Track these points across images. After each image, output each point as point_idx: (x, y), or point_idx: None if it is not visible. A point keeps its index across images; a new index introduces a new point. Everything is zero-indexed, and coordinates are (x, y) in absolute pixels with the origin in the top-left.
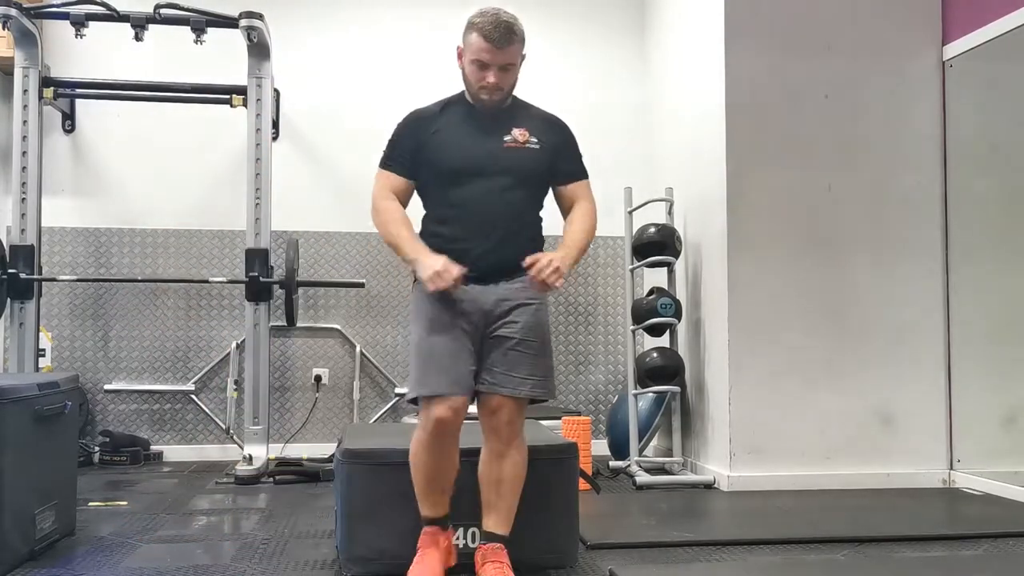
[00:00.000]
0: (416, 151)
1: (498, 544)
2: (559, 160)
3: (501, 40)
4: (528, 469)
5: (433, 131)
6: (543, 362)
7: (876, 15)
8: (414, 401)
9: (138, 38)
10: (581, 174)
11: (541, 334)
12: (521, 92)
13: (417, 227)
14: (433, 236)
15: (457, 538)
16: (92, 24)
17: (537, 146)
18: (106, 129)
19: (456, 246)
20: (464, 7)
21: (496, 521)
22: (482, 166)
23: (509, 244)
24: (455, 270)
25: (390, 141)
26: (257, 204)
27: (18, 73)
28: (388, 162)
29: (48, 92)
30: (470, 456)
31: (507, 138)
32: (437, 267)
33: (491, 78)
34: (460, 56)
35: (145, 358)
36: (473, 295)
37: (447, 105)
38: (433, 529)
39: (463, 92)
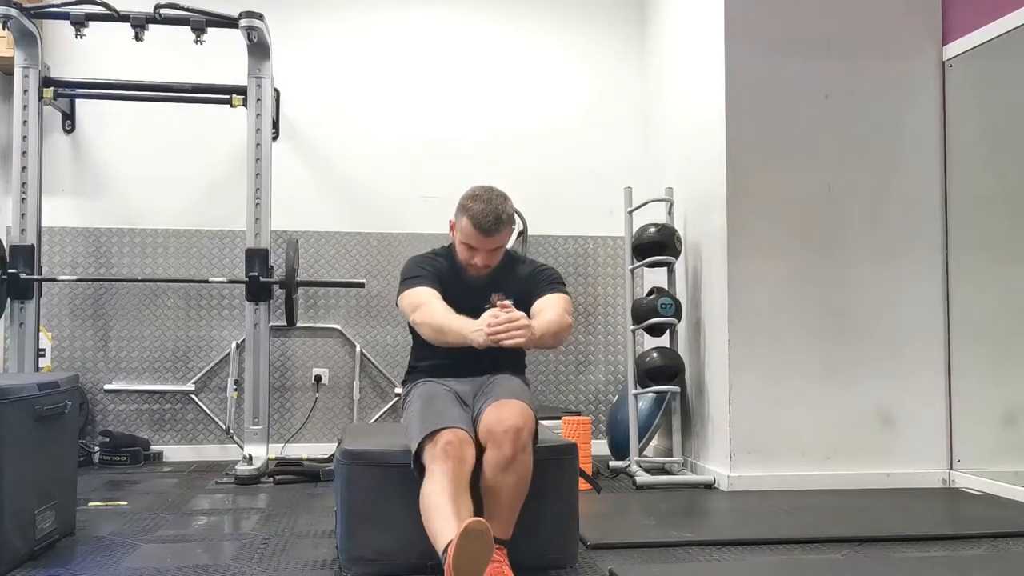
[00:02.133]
0: (439, 283)
1: (498, 546)
2: (534, 294)
3: (490, 230)
4: (531, 472)
5: (444, 279)
6: (525, 391)
7: (876, 15)
8: (418, 461)
9: (138, 38)
10: (552, 290)
11: (519, 379)
12: (522, 92)
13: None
14: (424, 367)
15: None
16: (92, 24)
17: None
18: (106, 129)
19: (448, 367)
20: (464, 8)
21: (497, 527)
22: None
23: (495, 361)
24: (500, 312)
25: (414, 268)
26: (257, 204)
27: (18, 73)
28: (420, 281)
29: (48, 92)
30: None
31: (487, 306)
32: (489, 329)
33: (478, 260)
34: (452, 229)
35: (145, 358)
36: (465, 382)
37: (445, 260)
38: None
39: (453, 248)
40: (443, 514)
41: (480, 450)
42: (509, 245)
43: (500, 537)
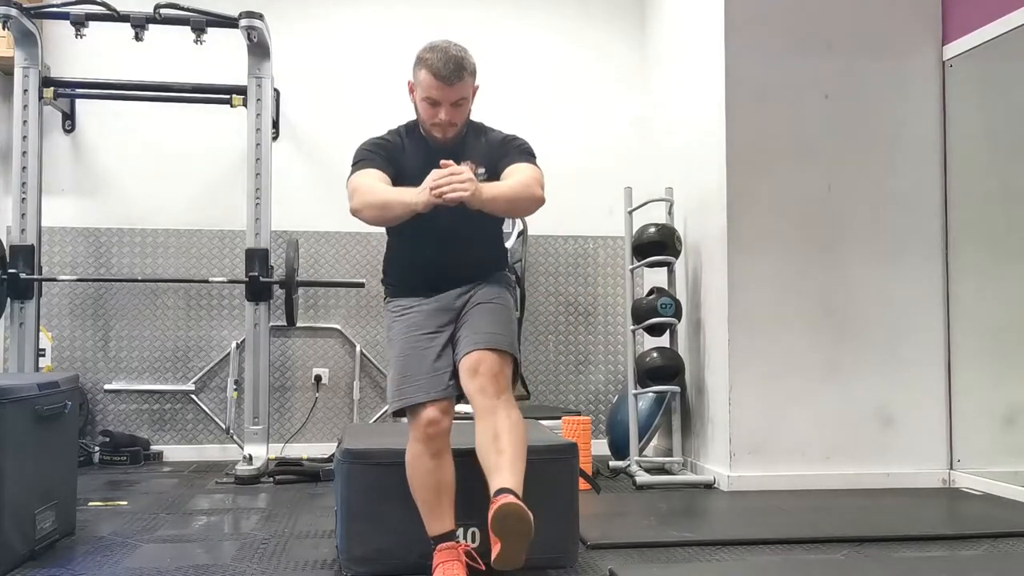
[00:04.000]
0: (390, 164)
1: (510, 495)
2: (502, 163)
3: (451, 77)
4: (528, 469)
5: (399, 159)
6: (503, 317)
7: (876, 15)
8: (399, 414)
9: (138, 38)
10: (522, 159)
11: (500, 298)
12: (522, 93)
13: (380, 247)
14: (398, 258)
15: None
16: (92, 24)
17: (485, 176)
18: (106, 129)
19: (421, 267)
20: (464, 8)
21: (504, 476)
22: (430, 229)
23: (471, 259)
24: (442, 169)
25: (357, 153)
26: (257, 204)
27: (18, 73)
28: (370, 163)
29: (48, 92)
30: (464, 456)
31: None
32: (431, 184)
33: (443, 115)
34: (411, 91)
35: (145, 358)
36: (441, 297)
37: (404, 135)
38: (448, 544)
39: (416, 122)
40: (430, 502)
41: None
42: (508, 245)
43: (511, 487)
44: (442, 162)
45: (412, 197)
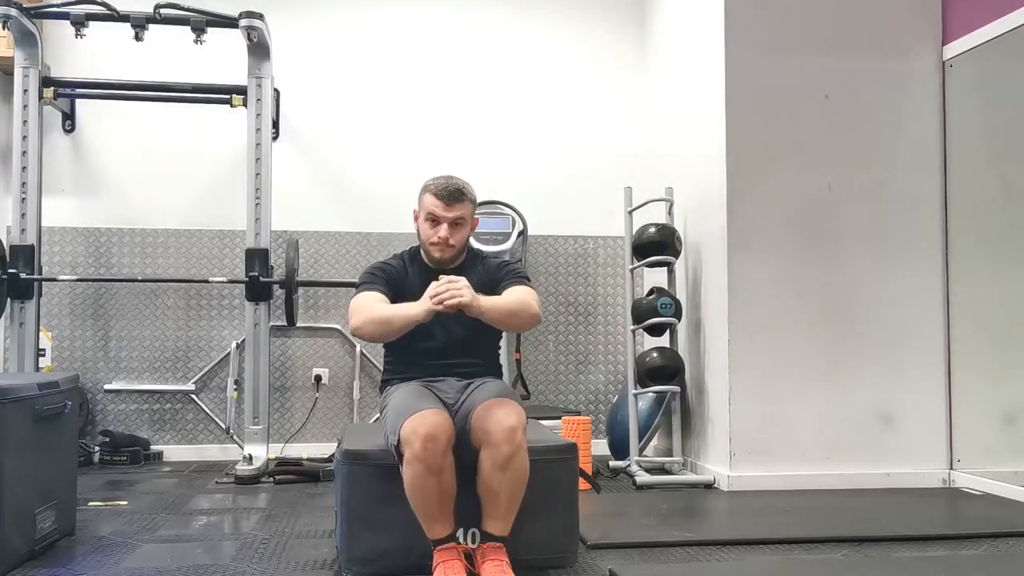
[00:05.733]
0: (391, 287)
1: (497, 543)
2: (500, 287)
3: (451, 197)
4: (528, 469)
5: (401, 282)
6: (508, 390)
7: (876, 15)
8: (399, 452)
9: (138, 38)
10: (517, 282)
11: (500, 382)
12: (523, 92)
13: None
14: (399, 377)
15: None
16: (92, 24)
17: None
18: (106, 129)
19: (422, 377)
20: (464, 8)
21: (495, 524)
22: (432, 328)
23: (469, 365)
24: (440, 281)
25: (361, 276)
26: (257, 204)
27: (18, 73)
28: (372, 286)
29: (48, 92)
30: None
31: None
32: (431, 292)
33: (442, 232)
34: (416, 217)
35: (145, 358)
36: (443, 384)
37: (407, 261)
38: (448, 545)
39: (419, 249)
40: (429, 514)
41: (474, 451)
42: (508, 245)
43: (499, 535)
44: (440, 276)
45: (414, 308)
